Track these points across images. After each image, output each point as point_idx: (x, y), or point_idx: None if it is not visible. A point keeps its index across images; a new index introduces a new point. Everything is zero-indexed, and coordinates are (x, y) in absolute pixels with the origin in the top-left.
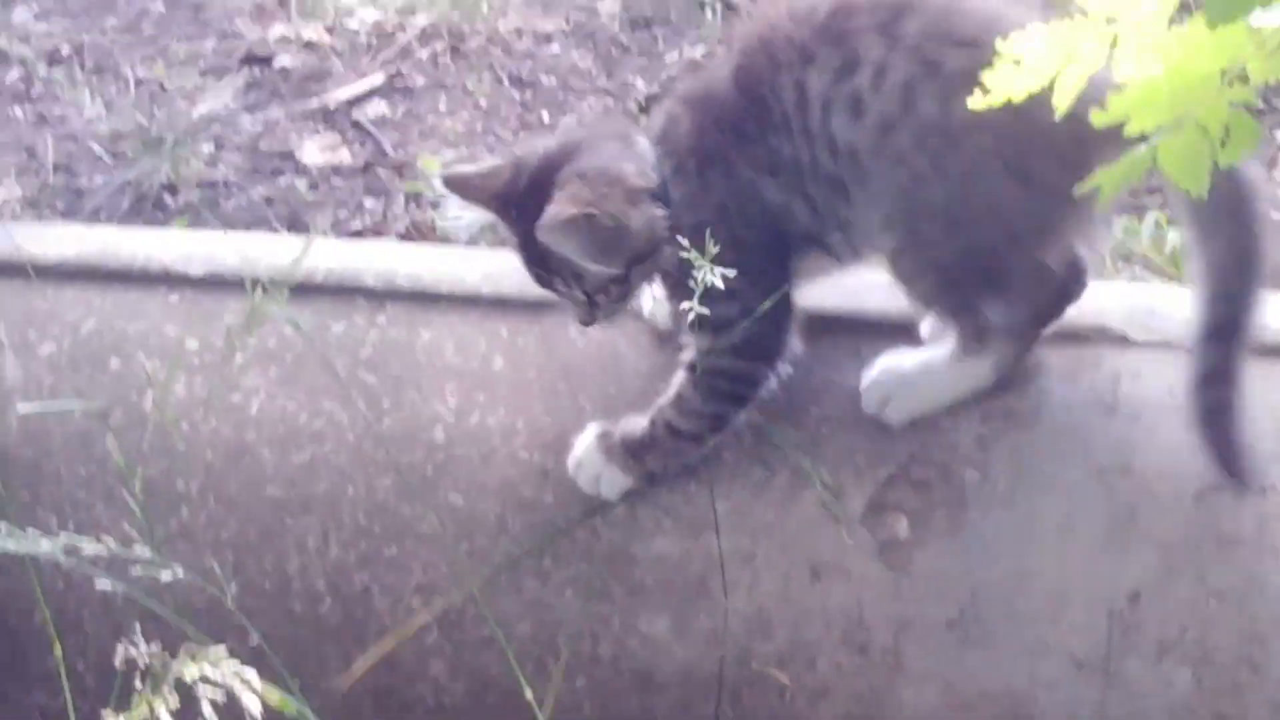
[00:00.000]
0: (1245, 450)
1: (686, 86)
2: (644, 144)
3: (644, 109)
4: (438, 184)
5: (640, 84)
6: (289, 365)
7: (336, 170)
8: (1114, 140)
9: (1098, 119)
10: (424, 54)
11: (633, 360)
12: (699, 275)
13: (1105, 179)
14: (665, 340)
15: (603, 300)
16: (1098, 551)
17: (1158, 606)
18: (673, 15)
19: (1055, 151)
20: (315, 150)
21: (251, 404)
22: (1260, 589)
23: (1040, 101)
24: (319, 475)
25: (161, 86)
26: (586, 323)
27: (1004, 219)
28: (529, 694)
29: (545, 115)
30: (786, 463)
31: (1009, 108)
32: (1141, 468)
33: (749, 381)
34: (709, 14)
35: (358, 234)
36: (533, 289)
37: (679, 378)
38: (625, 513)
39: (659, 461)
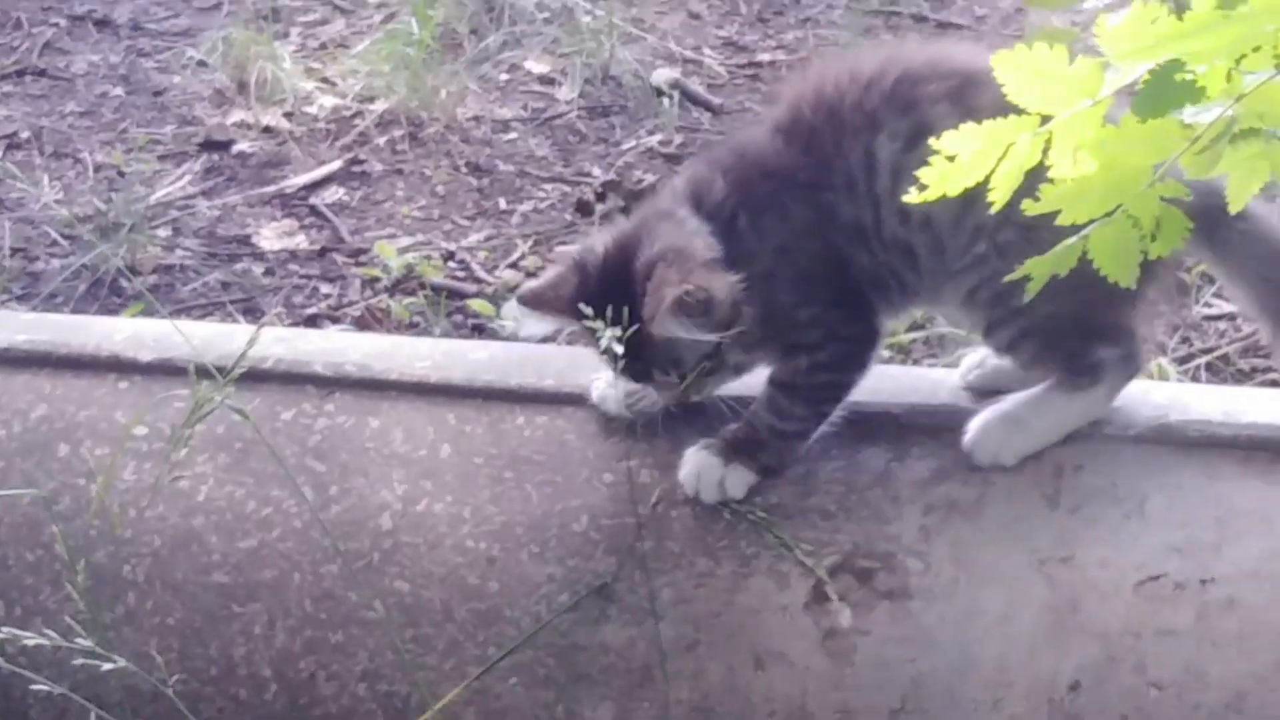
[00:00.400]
0: None
1: (709, 155)
2: (690, 218)
3: (600, 197)
4: (511, 308)
5: (597, 171)
6: (237, 452)
7: (293, 255)
8: None
9: (1029, 208)
10: (382, 140)
11: (579, 448)
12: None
13: (1036, 268)
14: (612, 425)
15: (696, 378)
16: (1039, 641)
17: (1098, 696)
18: (630, 104)
19: None
20: (272, 235)
21: (199, 491)
22: (1200, 680)
23: None
24: (266, 562)
25: (120, 172)
26: (682, 402)
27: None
28: None
29: (502, 202)
30: (731, 551)
31: None
32: (1082, 558)
33: (838, 388)
34: (666, 103)
35: (313, 319)
36: (482, 376)
37: (766, 391)
38: (569, 600)
39: (773, 457)
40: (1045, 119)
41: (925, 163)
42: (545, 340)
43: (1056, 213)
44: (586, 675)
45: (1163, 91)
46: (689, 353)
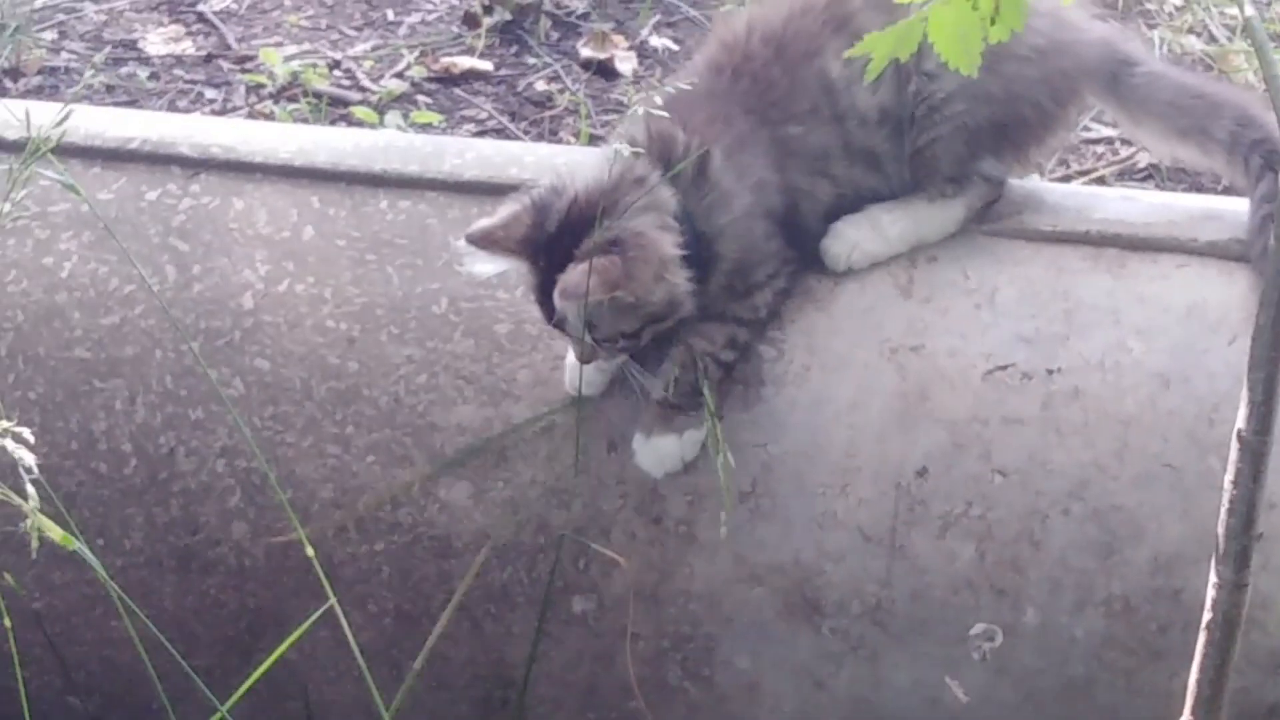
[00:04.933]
0: None
1: (661, 100)
2: (662, 187)
3: (487, 10)
4: (461, 244)
5: None
6: (101, 230)
7: (179, 61)
8: None
9: None
10: None
11: (440, 232)
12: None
13: (875, 46)
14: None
15: (609, 348)
16: (887, 428)
17: (944, 482)
18: None
19: None
20: (158, 40)
21: (63, 267)
22: (1043, 467)
23: None
24: (128, 338)
25: None
26: (586, 360)
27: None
28: (310, 551)
29: (390, 13)
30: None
31: None
32: (932, 347)
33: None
34: None
35: None
36: (347, 161)
37: (710, 324)
38: (427, 381)
39: (713, 393)
40: None
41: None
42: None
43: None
44: (442, 455)
45: None
46: (608, 327)
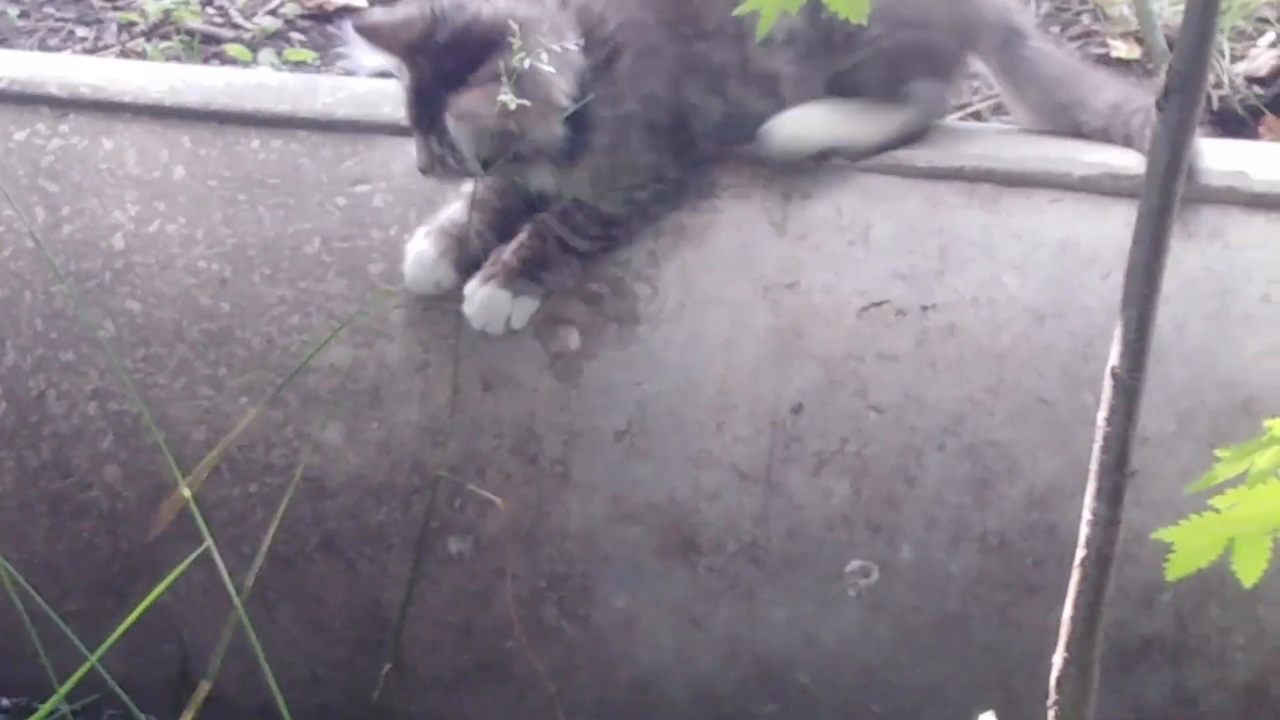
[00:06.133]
0: None
1: None
2: (573, 46)
3: None
4: (347, 29)
5: None
6: None
7: None
8: None
9: None
10: None
11: (312, 171)
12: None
13: (765, 3)
14: (345, 150)
15: (454, 164)
16: (762, 365)
17: (819, 419)
18: None
19: None
20: None
21: None
22: (918, 403)
23: None
24: None
25: None
26: (425, 172)
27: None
28: (186, 492)
29: None
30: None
31: None
32: (807, 284)
33: (635, 220)
34: None
35: None
36: (218, 100)
37: (562, 206)
38: (300, 322)
39: (555, 277)
40: None
41: None
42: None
43: None
44: (315, 396)
45: None
46: (469, 147)
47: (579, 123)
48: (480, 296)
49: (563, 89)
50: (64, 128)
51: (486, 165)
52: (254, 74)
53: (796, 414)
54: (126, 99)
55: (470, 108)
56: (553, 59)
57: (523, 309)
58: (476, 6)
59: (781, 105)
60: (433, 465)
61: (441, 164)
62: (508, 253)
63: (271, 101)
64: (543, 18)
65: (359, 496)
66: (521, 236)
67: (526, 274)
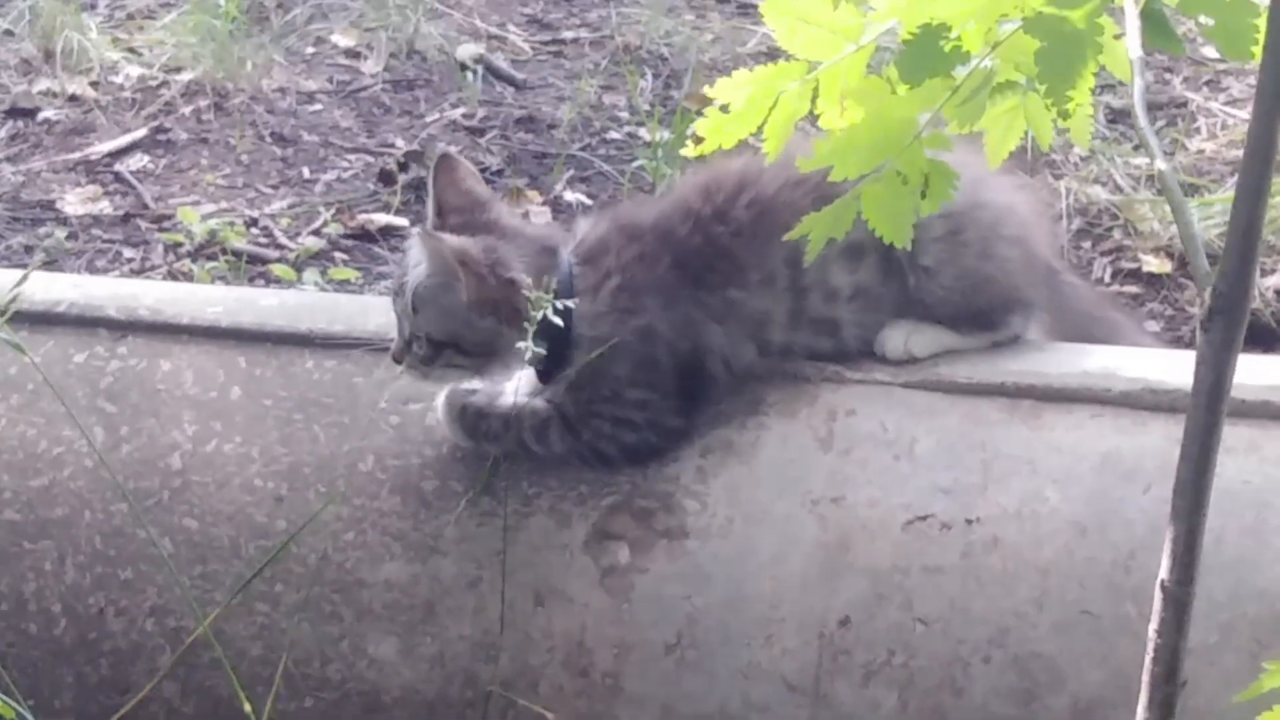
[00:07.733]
0: None
1: (624, 213)
2: (565, 263)
3: (403, 167)
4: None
5: (401, 142)
6: (29, 393)
7: (96, 220)
8: None
9: (803, 165)
10: (187, 110)
11: (366, 391)
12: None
13: (814, 227)
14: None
15: (414, 350)
16: (810, 578)
17: (866, 631)
18: (434, 78)
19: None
20: (76, 201)
21: None
22: (963, 615)
23: None
24: (57, 500)
25: None
26: (396, 360)
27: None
28: (247, 707)
29: (306, 171)
30: (514, 491)
31: None
32: (853, 499)
33: (614, 463)
34: (470, 77)
35: None
36: (272, 321)
37: (547, 410)
38: (355, 538)
39: (496, 448)
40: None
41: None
42: None
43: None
44: (370, 611)
45: (925, 55)
46: (414, 316)
47: (559, 339)
48: (438, 402)
49: (528, 284)
50: (122, 349)
51: (435, 350)
52: (306, 295)
53: (844, 626)
54: (183, 320)
55: (433, 233)
56: (539, 259)
57: (459, 435)
58: (504, 216)
59: (844, 346)
60: (485, 680)
61: (407, 351)
62: (477, 398)
63: (325, 321)
64: (544, 236)
65: (413, 711)
66: (490, 404)
67: (472, 428)
